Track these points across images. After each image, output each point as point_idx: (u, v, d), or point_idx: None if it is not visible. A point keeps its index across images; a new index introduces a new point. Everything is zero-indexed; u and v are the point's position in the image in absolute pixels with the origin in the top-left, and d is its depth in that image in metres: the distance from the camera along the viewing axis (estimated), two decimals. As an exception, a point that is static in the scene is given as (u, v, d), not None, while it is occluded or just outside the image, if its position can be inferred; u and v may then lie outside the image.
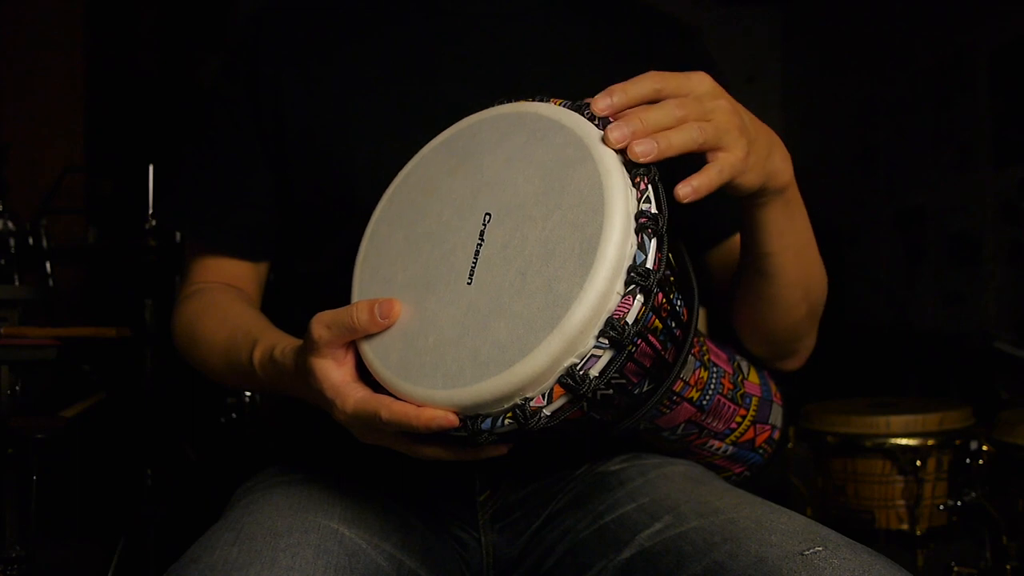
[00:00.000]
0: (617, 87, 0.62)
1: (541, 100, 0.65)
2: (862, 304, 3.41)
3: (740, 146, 0.63)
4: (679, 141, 0.60)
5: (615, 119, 0.60)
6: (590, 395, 0.56)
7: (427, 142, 0.72)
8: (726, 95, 0.65)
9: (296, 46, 0.86)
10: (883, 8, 3.32)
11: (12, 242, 1.77)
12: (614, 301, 0.55)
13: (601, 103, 0.61)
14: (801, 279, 0.78)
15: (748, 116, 0.66)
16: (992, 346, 2.05)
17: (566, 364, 0.55)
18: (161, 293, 1.87)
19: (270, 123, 0.85)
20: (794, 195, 0.73)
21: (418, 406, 0.58)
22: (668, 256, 0.57)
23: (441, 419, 0.57)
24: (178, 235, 1.87)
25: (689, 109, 0.61)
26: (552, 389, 0.56)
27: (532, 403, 0.56)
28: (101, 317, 2.32)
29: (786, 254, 0.75)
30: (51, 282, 1.98)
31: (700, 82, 0.64)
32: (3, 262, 1.75)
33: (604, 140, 0.59)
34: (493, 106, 0.68)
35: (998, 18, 2.75)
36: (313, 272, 0.86)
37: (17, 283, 1.78)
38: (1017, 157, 2.68)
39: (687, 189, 0.60)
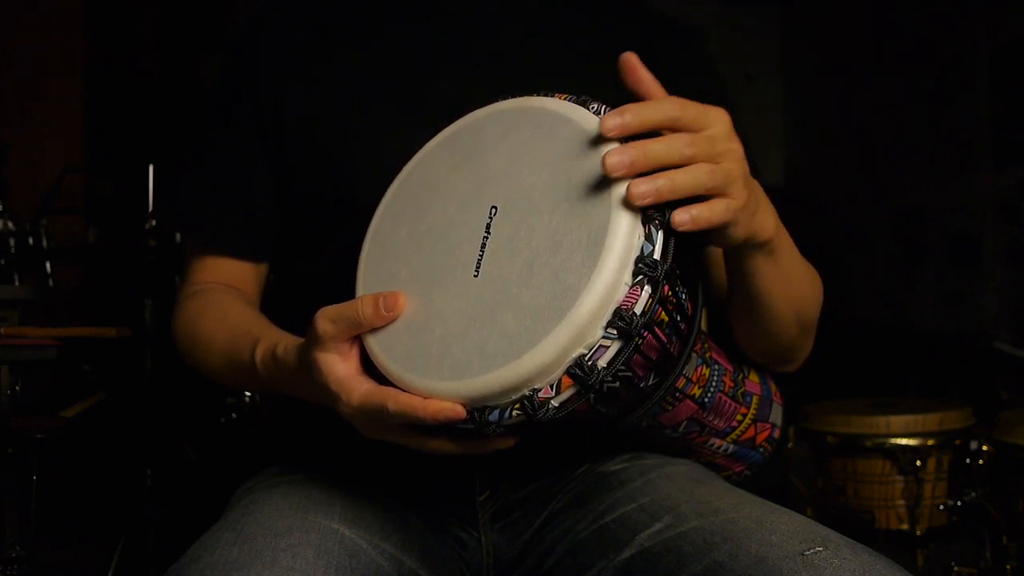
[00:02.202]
0: (631, 108, 0.58)
1: (545, 95, 0.65)
2: (862, 304, 3.41)
3: (741, 197, 0.61)
4: (685, 183, 0.57)
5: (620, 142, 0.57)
6: (598, 386, 0.56)
7: (428, 140, 0.72)
8: (737, 140, 0.62)
9: (296, 46, 0.86)
10: (883, 8, 3.32)
11: (12, 242, 1.77)
12: (622, 292, 0.55)
13: (611, 122, 0.57)
14: (789, 309, 0.77)
15: (750, 181, 0.64)
16: (992, 346, 2.05)
17: (574, 355, 0.55)
18: (161, 293, 1.88)
19: (270, 123, 0.85)
20: (779, 243, 0.70)
21: (425, 398, 0.58)
22: (675, 249, 0.57)
23: (448, 411, 0.57)
24: (178, 235, 1.87)
25: (699, 148, 0.58)
26: (560, 380, 0.56)
27: (540, 394, 0.56)
28: (101, 317, 2.32)
29: (772, 293, 0.74)
30: (51, 282, 1.98)
31: (718, 120, 0.60)
32: (3, 262, 1.75)
33: (603, 163, 0.56)
34: (496, 102, 0.68)
35: (998, 18, 2.75)
36: (313, 272, 0.86)
37: (17, 283, 1.78)
38: (1017, 157, 2.68)
39: (684, 217, 0.57)
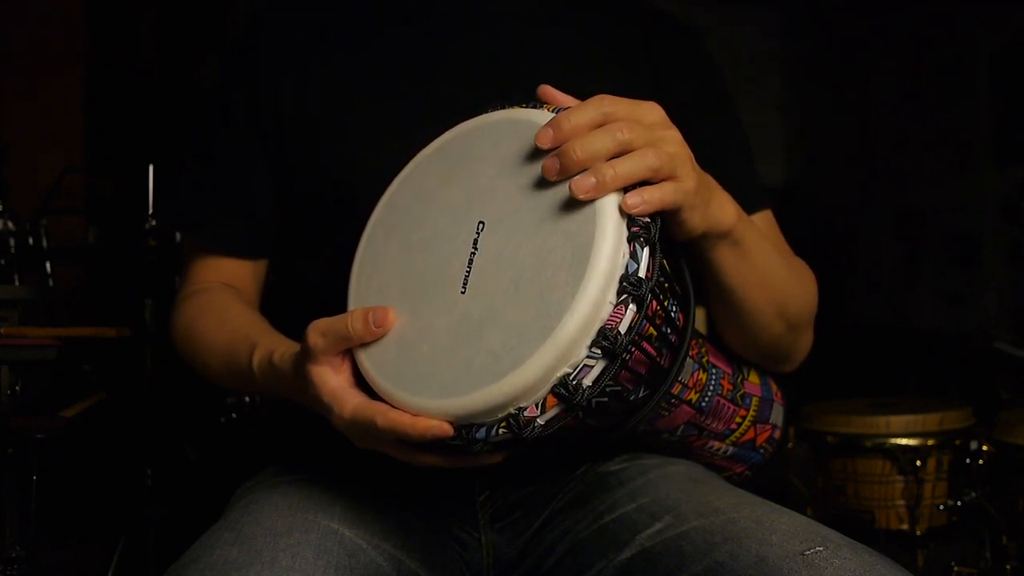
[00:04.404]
0: (561, 117, 0.58)
1: (534, 106, 0.65)
2: (862, 304, 3.41)
3: (691, 178, 0.60)
4: (628, 168, 0.57)
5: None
6: (584, 404, 0.56)
7: (426, 143, 0.72)
8: (674, 127, 0.62)
9: (295, 46, 0.86)
10: (883, 8, 3.32)
11: (12, 242, 1.77)
12: (606, 311, 0.55)
13: (544, 136, 0.58)
14: (768, 304, 0.76)
15: (695, 167, 0.63)
16: (992, 346, 2.04)
17: (559, 374, 0.55)
18: (161, 293, 1.87)
19: (269, 123, 0.85)
20: (743, 234, 0.70)
21: (413, 415, 0.59)
22: (662, 263, 0.57)
23: (436, 429, 0.58)
24: (178, 235, 1.87)
25: (637, 133, 0.58)
26: (545, 399, 0.56)
27: (526, 413, 0.56)
28: (101, 317, 2.32)
29: (746, 287, 0.73)
30: (51, 282, 1.98)
31: (651, 109, 0.61)
32: (3, 262, 1.75)
33: (543, 171, 0.57)
34: (487, 112, 0.68)
35: (998, 18, 2.75)
36: (313, 272, 0.86)
37: (17, 283, 1.78)
38: (1017, 157, 2.68)
39: (636, 199, 0.56)
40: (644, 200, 0.57)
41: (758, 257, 0.73)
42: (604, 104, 0.59)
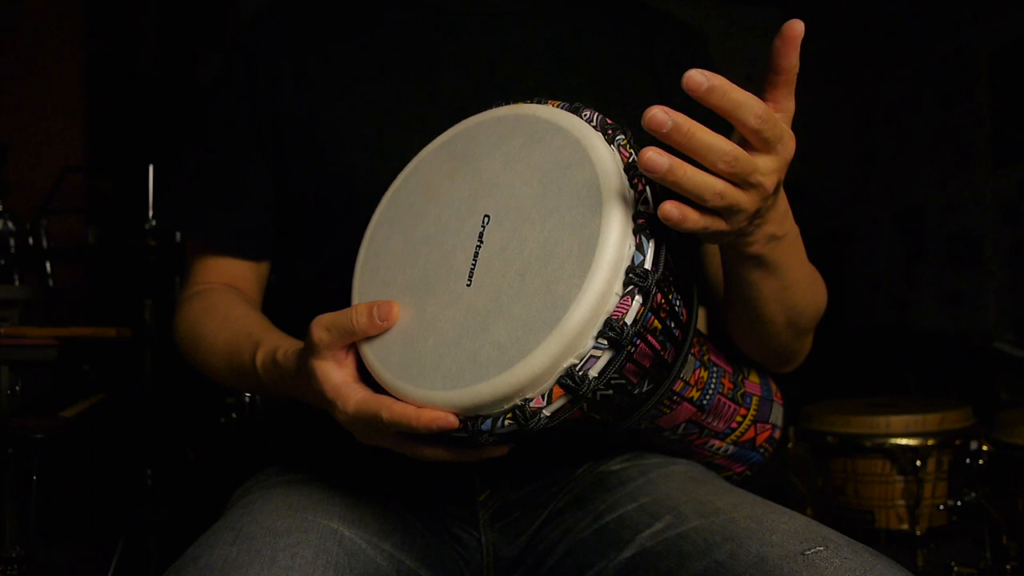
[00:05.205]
0: (724, 80, 0.54)
1: (539, 102, 0.65)
2: (862, 304, 3.41)
3: (735, 224, 0.58)
4: (693, 183, 0.53)
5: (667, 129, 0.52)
6: (589, 396, 0.56)
7: (425, 141, 0.72)
8: (782, 173, 0.59)
9: (294, 45, 0.86)
10: (883, 8, 3.32)
11: (12, 242, 1.77)
12: (612, 302, 0.55)
13: (698, 76, 0.52)
14: (781, 315, 0.76)
15: (772, 201, 0.61)
16: (992, 346, 2.05)
17: (565, 365, 0.55)
18: (161, 293, 1.88)
19: (268, 122, 0.85)
20: (776, 258, 0.68)
21: (418, 407, 0.59)
22: (667, 256, 0.57)
23: (441, 420, 0.58)
24: (178, 235, 1.87)
25: (737, 169, 0.54)
26: (551, 390, 0.56)
27: (532, 404, 0.56)
28: (101, 317, 2.32)
29: (765, 301, 0.73)
30: (51, 282, 1.98)
31: (783, 149, 0.58)
32: (3, 262, 1.75)
33: (649, 117, 0.51)
34: (491, 108, 0.68)
35: (998, 18, 2.75)
36: (313, 271, 0.86)
37: (17, 283, 1.78)
38: (1017, 157, 2.68)
39: (676, 211, 0.54)
40: (681, 215, 0.54)
41: (786, 276, 0.71)
42: (761, 113, 0.55)
